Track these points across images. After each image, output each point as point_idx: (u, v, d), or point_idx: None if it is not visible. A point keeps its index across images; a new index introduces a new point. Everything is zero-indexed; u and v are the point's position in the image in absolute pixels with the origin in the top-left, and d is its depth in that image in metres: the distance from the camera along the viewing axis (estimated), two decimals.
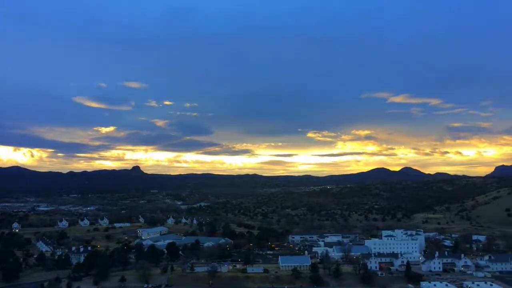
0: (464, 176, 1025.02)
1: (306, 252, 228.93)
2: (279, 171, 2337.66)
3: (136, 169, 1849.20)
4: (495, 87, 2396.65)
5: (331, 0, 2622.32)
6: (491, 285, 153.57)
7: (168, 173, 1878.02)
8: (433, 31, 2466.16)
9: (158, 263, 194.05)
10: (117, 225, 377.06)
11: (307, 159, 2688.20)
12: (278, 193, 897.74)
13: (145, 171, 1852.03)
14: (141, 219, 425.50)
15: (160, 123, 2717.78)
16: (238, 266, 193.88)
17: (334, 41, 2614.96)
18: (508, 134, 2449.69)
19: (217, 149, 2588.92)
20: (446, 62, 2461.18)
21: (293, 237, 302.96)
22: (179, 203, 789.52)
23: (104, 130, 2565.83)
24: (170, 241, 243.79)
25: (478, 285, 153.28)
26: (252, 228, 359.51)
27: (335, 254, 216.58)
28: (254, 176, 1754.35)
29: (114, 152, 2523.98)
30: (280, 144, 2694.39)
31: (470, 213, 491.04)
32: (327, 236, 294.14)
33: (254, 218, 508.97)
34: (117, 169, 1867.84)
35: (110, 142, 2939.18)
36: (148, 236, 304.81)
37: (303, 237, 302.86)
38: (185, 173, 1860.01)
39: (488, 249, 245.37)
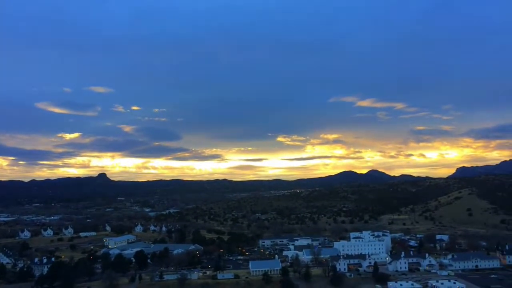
0: (427, 178, 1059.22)
1: (276, 256, 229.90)
2: (249, 176, 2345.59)
3: (102, 176, 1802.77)
4: (456, 92, 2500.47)
5: (300, 5, 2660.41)
6: (454, 283, 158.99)
7: (136, 180, 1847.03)
8: (398, 37, 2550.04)
9: (125, 272, 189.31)
10: (82, 234, 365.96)
11: (277, 163, 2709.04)
12: (248, 198, 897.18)
13: (111, 178, 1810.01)
14: (108, 228, 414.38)
15: (127, 128, 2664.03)
16: (208, 272, 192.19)
17: (303, 46, 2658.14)
18: (468, 137, 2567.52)
19: (186, 154, 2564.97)
20: (410, 68, 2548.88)
21: (264, 242, 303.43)
22: (147, 210, 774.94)
23: (69, 136, 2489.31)
24: (138, 249, 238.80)
25: (442, 283, 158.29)
26: (222, 234, 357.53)
27: (305, 257, 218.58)
28: (224, 181, 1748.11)
29: (79, 159, 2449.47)
30: (250, 148, 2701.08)
31: (433, 214, 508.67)
32: (297, 240, 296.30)
33: (224, 223, 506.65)
34: (82, 176, 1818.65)
35: (74, 148, 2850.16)
36: (115, 245, 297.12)
37: (274, 241, 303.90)
38: (154, 179, 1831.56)
39: (451, 248, 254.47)
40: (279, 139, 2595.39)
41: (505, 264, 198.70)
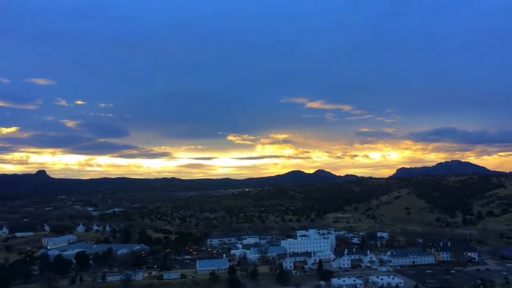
0: (370, 178, 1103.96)
1: (224, 255, 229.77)
2: (199, 175, 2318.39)
3: (42, 173, 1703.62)
4: (398, 96, 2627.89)
5: (253, 6, 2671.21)
6: (393, 278, 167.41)
7: (78, 178, 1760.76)
8: (348, 42, 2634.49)
9: (65, 274, 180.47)
10: (18, 234, 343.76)
11: (227, 162, 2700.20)
12: (197, 197, 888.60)
13: (52, 176, 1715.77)
14: (47, 228, 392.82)
15: (70, 124, 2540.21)
16: (154, 273, 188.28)
17: (255, 46, 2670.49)
18: (408, 139, 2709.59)
19: (134, 152, 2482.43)
20: (358, 72, 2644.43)
21: (212, 241, 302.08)
22: (90, 209, 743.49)
23: (5, 130, 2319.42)
24: (80, 250, 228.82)
25: (382, 279, 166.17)
26: (169, 233, 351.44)
27: (252, 255, 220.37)
28: (173, 179, 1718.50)
29: (16, 155, 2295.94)
30: (200, 147, 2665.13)
31: (375, 212, 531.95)
32: (245, 238, 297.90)
33: (171, 222, 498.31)
34: (19, 173, 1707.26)
35: (11, 143, 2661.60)
36: (55, 245, 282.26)
37: (222, 240, 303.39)
38: (98, 177, 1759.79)
39: (391, 245, 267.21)
40: (230, 138, 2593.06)
41: (439, 260, 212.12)
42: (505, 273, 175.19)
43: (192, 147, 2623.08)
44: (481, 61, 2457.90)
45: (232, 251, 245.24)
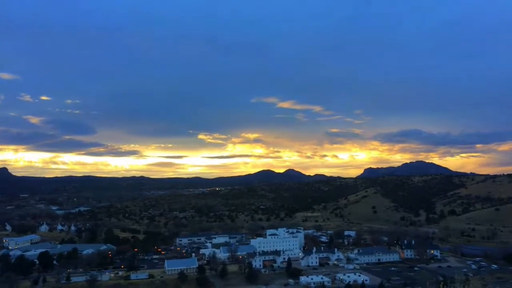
0: (338, 178, 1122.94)
1: (193, 254, 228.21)
2: (168, 173, 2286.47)
3: (3, 171, 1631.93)
4: (366, 98, 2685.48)
5: (226, 5, 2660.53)
6: (359, 275, 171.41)
7: (42, 176, 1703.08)
8: (320, 43, 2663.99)
9: (28, 275, 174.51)
10: None
11: (197, 161, 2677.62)
12: (166, 196, 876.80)
13: (14, 173, 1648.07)
14: (8, 227, 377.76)
15: (34, 120, 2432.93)
16: (121, 273, 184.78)
17: (227, 45, 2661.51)
18: (375, 140, 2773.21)
19: (101, 149, 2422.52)
20: (329, 72, 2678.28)
21: (181, 240, 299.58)
22: (54, 208, 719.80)
23: None
24: (43, 250, 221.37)
25: (348, 276, 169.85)
26: (137, 233, 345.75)
27: (222, 254, 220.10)
28: (141, 178, 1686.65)
29: None
30: (170, 145, 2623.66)
31: (343, 211, 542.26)
32: (215, 238, 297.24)
33: (140, 222, 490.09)
34: None
35: None
36: (17, 245, 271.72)
37: (191, 240, 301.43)
38: (63, 175, 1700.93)
39: (357, 243, 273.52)
40: (201, 136, 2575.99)
41: (404, 257, 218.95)
42: (465, 270, 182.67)
43: (162, 145, 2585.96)
44: (445, 65, 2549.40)
45: (202, 251, 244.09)
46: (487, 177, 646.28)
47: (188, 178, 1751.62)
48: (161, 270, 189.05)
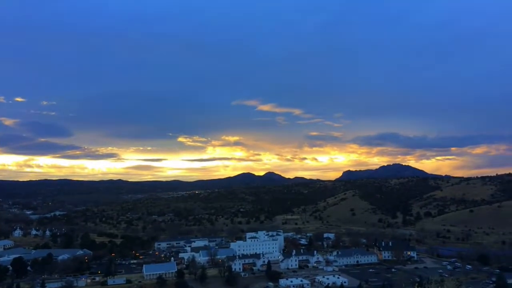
0: (318, 180, 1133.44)
1: (172, 258, 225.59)
2: (147, 176, 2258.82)
3: None
4: (346, 102, 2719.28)
5: (210, 6, 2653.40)
6: (338, 277, 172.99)
7: (16, 179, 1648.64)
8: (300, 46, 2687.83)
9: (1, 282, 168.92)
10: None
11: (177, 164, 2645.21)
12: (145, 199, 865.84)
13: None
14: None
15: (8, 122, 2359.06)
16: (97, 278, 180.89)
17: (208, 47, 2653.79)
18: (354, 143, 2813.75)
19: (78, 152, 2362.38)
20: (310, 76, 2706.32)
21: (159, 244, 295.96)
22: (28, 212, 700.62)
23: None
24: (17, 255, 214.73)
25: (327, 278, 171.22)
26: (115, 237, 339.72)
27: (201, 258, 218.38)
28: (119, 181, 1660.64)
29: None
30: (149, 148, 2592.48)
31: (322, 214, 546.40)
32: (194, 241, 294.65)
33: (117, 226, 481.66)
34: None
35: None
36: None
37: (170, 244, 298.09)
38: (38, 179, 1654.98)
39: (336, 245, 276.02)
40: (180, 139, 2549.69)
41: (381, 259, 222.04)
42: (441, 270, 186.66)
43: (141, 148, 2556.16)
44: (421, 70, 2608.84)
45: (181, 255, 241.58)
46: (461, 180, 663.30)
47: (167, 181, 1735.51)
48: (139, 275, 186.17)
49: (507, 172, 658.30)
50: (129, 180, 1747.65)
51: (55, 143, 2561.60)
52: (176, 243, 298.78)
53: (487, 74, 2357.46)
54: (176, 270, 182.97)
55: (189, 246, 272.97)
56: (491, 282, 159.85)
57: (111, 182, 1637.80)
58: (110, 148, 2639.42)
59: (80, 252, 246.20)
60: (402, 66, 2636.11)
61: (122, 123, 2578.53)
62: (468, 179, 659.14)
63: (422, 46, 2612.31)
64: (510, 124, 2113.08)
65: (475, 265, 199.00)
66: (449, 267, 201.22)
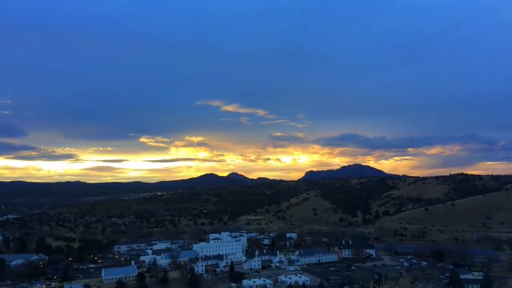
0: (281, 181, 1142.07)
1: (132, 262, 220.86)
2: (107, 178, 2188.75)
3: None
4: (309, 103, 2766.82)
5: (170, 5, 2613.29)
6: (300, 277, 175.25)
7: None
8: (265, 47, 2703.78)
9: None
10: None
11: (138, 165, 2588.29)
12: (104, 201, 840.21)
13: None
14: None
15: None
16: (53, 284, 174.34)
17: (172, 47, 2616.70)
18: (316, 144, 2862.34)
19: (33, 153, 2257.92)
20: (274, 77, 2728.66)
21: (119, 247, 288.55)
22: None
23: None
24: None
25: (290, 278, 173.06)
26: (72, 241, 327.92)
27: (163, 261, 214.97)
28: (77, 183, 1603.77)
29: None
30: (109, 148, 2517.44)
31: (285, 214, 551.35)
32: (156, 244, 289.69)
33: (75, 229, 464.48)
34: None
35: None
36: None
37: (130, 247, 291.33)
38: None
39: (299, 245, 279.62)
40: (142, 139, 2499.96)
41: (342, 257, 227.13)
42: (398, 267, 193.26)
43: (101, 148, 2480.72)
44: (382, 72, 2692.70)
45: (142, 258, 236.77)
46: (417, 179, 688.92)
47: (128, 183, 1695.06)
48: (97, 280, 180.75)
49: (459, 172, 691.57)
50: (88, 181, 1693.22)
51: (9, 143, 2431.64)
52: (137, 246, 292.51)
53: (442, 78, 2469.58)
54: (136, 273, 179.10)
55: (150, 249, 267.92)
56: (445, 277, 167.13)
57: (68, 184, 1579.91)
58: (68, 148, 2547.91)
59: (34, 257, 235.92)
60: (363, 69, 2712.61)
61: (81, 123, 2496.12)
62: (424, 178, 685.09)
63: (383, 49, 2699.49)
64: (462, 126, 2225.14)
65: (430, 261, 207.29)
66: (405, 263, 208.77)
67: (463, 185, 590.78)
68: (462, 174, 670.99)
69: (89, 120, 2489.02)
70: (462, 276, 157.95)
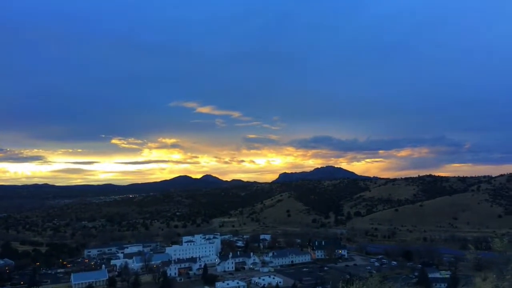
0: (255, 182, 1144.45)
1: (103, 266, 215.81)
2: (77, 180, 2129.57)
3: None
4: (283, 106, 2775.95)
5: (143, 5, 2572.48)
6: (273, 278, 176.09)
7: None
8: (237, 49, 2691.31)
9: None
10: None
11: (110, 166, 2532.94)
12: (74, 204, 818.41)
13: None
14: None
15: None
16: None
17: (145, 47, 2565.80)
18: (290, 146, 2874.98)
19: None
20: (249, 79, 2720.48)
21: (90, 251, 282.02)
22: None
23: None
24: None
25: (263, 279, 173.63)
26: (39, 245, 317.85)
27: (135, 264, 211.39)
28: (45, 186, 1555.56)
29: None
30: (79, 150, 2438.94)
31: (259, 215, 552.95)
32: (127, 247, 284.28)
33: (42, 233, 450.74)
34: None
35: None
36: None
37: (101, 250, 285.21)
38: None
39: (272, 246, 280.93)
40: (114, 141, 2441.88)
41: (315, 258, 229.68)
42: (369, 267, 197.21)
43: (70, 150, 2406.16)
44: (353, 76, 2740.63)
45: (113, 261, 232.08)
46: (387, 181, 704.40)
47: (99, 185, 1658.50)
48: (66, 285, 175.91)
49: (428, 173, 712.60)
50: (57, 184, 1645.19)
51: None
52: (108, 250, 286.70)
53: (412, 81, 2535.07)
54: (107, 277, 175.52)
55: (122, 253, 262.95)
56: (414, 276, 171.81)
57: (36, 186, 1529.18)
58: (35, 150, 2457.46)
59: (0, 262, 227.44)
60: (336, 72, 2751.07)
61: (50, 123, 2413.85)
62: (394, 180, 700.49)
63: (355, 53, 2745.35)
64: (431, 129, 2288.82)
65: (400, 261, 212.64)
66: (376, 263, 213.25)
67: (431, 186, 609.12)
68: (430, 175, 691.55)
69: (58, 121, 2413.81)
70: (430, 275, 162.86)
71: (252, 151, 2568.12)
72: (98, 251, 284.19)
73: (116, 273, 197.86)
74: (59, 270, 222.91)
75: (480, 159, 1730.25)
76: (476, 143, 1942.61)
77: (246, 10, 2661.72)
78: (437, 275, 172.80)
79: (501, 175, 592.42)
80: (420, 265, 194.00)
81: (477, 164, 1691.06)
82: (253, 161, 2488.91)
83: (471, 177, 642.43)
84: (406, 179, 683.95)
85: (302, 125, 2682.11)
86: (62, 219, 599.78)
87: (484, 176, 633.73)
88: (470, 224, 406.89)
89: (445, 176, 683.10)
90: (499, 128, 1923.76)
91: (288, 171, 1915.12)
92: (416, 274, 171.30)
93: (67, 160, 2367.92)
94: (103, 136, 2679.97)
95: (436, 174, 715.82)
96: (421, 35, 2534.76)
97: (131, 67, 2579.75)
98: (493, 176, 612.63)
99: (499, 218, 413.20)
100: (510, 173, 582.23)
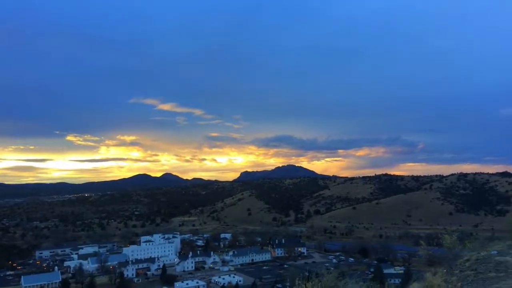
0: (216, 181, 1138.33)
1: (56, 267, 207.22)
2: (28, 179, 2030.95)
3: None
4: (245, 104, 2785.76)
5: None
6: (233, 277, 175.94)
7: None
8: (199, 47, 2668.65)
9: None
10: None
11: (64, 164, 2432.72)
12: (25, 204, 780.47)
13: None
14: None
15: None
16: None
17: (105, 42, 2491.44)
18: (252, 145, 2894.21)
19: None
20: (211, 77, 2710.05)
21: (41, 253, 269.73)
22: None
23: None
24: None
25: (223, 278, 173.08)
26: None
27: (90, 266, 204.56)
28: None
29: None
30: (31, 147, 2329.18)
31: (219, 214, 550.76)
32: (82, 248, 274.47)
33: None
34: None
35: None
36: None
37: (54, 252, 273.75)
38: None
39: (233, 245, 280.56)
40: (69, 138, 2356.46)
41: (275, 256, 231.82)
42: (327, 264, 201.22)
43: (22, 147, 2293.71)
44: (313, 77, 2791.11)
45: (66, 263, 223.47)
46: (346, 180, 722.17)
47: (52, 184, 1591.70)
48: None
49: (384, 172, 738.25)
50: (6, 182, 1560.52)
51: None
52: (61, 251, 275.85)
53: (370, 83, 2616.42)
54: (60, 280, 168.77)
55: (76, 254, 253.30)
56: (369, 272, 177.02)
57: None
58: None
59: None
60: (296, 73, 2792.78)
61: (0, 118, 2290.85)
62: (352, 179, 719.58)
63: (315, 55, 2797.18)
64: (387, 129, 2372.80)
65: (357, 257, 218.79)
66: (334, 260, 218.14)
67: (387, 185, 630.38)
68: (386, 174, 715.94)
69: (9, 116, 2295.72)
70: (385, 271, 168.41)
71: (214, 149, 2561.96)
72: (50, 252, 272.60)
73: (70, 274, 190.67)
74: (8, 273, 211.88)
75: (432, 159, 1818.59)
76: (429, 143, 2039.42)
77: (208, 7, 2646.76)
78: (391, 270, 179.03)
79: (452, 174, 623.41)
80: (375, 261, 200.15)
81: (430, 164, 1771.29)
82: (214, 160, 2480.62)
83: (424, 176, 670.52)
84: (364, 178, 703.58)
85: (264, 124, 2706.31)
86: (12, 219, 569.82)
87: (436, 175, 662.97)
88: (423, 221, 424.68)
89: (400, 175, 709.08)
90: (450, 130, 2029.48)
91: (250, 170, 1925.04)
92: (372, 270, 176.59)
93: (18, 157, 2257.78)
94: (58, 132, 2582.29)
95: (392, 173, 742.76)
96: (378, 40, 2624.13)
97: (90, 62, 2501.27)
98: (445, 175, 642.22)
99: (450, 215, 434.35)
100: (460, 173, 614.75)
